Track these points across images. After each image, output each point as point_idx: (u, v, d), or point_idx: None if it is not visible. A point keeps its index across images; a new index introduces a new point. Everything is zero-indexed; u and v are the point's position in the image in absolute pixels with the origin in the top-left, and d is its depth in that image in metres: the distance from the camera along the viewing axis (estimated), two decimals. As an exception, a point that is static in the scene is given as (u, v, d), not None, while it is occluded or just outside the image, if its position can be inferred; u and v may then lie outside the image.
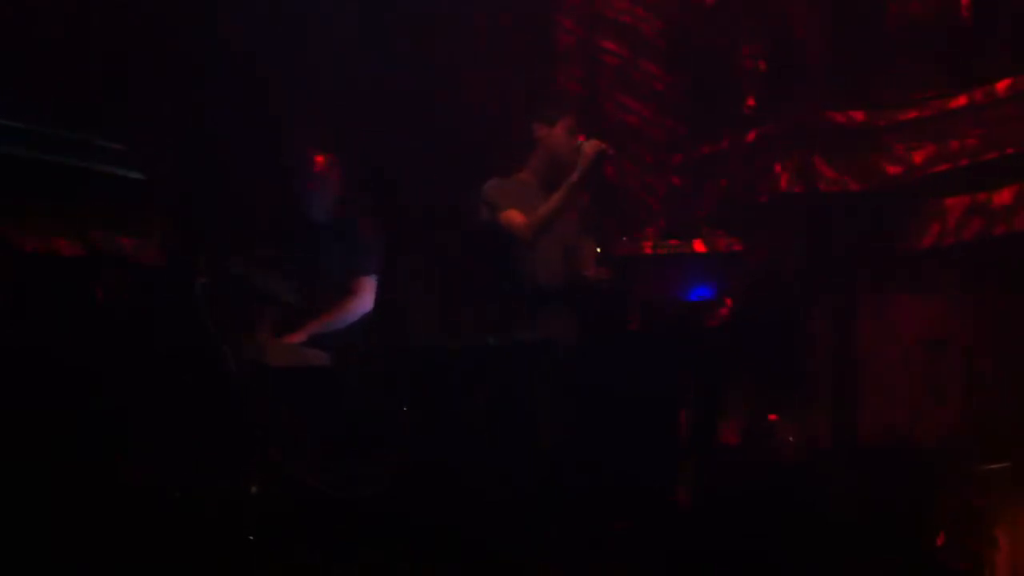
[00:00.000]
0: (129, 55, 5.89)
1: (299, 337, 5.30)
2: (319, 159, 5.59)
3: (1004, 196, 5.79)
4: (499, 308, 5.15)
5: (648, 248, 6.05)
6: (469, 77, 6.85)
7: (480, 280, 5.50)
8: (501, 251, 5.06)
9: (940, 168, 6.00)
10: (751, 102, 6.56)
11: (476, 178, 5.37)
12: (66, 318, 4.33)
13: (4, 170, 4.33)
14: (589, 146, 4.96)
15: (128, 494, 4.26)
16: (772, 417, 5.78)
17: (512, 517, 4.63)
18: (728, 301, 5.87)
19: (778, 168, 6.22)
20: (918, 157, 6.08)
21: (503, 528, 4.59)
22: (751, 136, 6.43)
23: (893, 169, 6.12)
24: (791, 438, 5.70)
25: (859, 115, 6.19)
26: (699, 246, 6.05)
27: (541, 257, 5.06)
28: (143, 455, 4.38)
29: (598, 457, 4.81)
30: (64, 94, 5.39)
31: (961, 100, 5.94)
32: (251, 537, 4.36)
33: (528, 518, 4.63)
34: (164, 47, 5.96)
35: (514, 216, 5.01)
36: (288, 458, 4.71)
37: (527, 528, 4.61)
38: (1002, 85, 5.79)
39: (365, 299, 5.47)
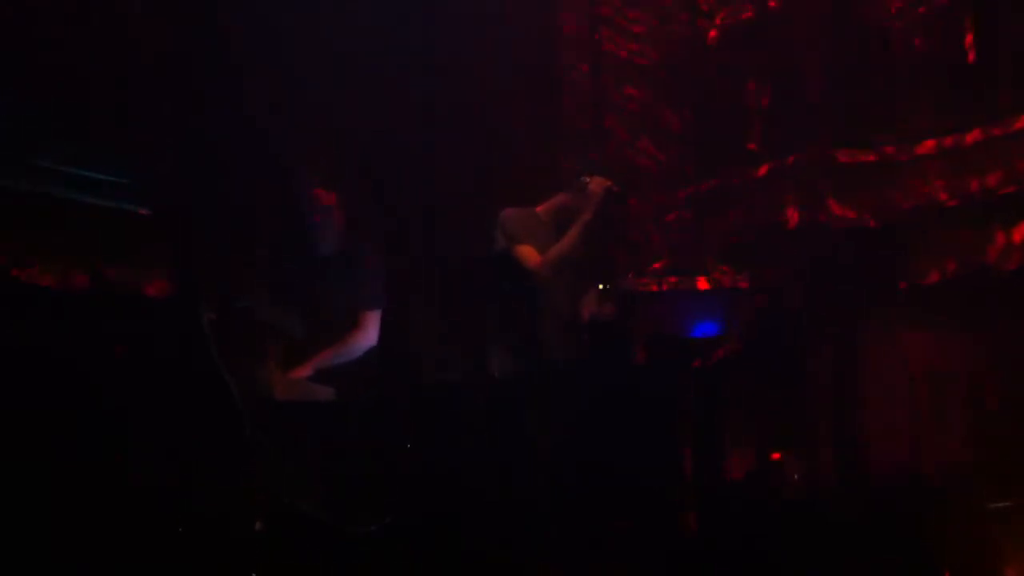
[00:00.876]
0: (134, 86, 5.90)
1: (305, 371, 5.30)
2: (323, 192, 5.60)
3: (1007, 233, 5.82)
4: (503, 337, 5.15)
5: (653, 284, 6.06)
6: (474, 111, 6.88)
7: (485, 305, 5.49)
8: (513, 283, 5.08)
9: (945, 203, 6.02)
10: (755, 137, 6.58)
11: (484, 208, 5.38)
12: (73, 350, 4.32)
13: (11, 204, 4.34)
14: (596, 184, 4.96)
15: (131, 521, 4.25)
16: (776, 456, 5.77)
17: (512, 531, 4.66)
18: (734, 339, 5.86)
19: (783, 203, 6.23)
20: (923, 193, 6.11)
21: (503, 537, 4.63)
22: (756, 172, 6.44)
23: (898, 204, 6.14)
24: (796, 476, 5.69)
25: (863, 151, 6.21)
26: (704, 282, 6.07)
27: (549, 291, 5.07)
28: (146, 480, 4.37)
29: (599, 494, 4.82)
30: (69, 124, 5.40)
31: (968, 136, 5.98)
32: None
33: (528, 531, 4.65)
34: (168, 77, 5.98)
35: (530, 253, 5.03)
36: (291, 490, 4.70)
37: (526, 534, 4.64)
38: (1011, 121, 5.83)
39: (370, 333, 5.47)
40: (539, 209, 5.27)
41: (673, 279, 6.10)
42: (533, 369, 4.95)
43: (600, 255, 5.24)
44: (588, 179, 5.06)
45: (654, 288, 6.04)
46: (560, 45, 7.30)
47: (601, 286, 5.29)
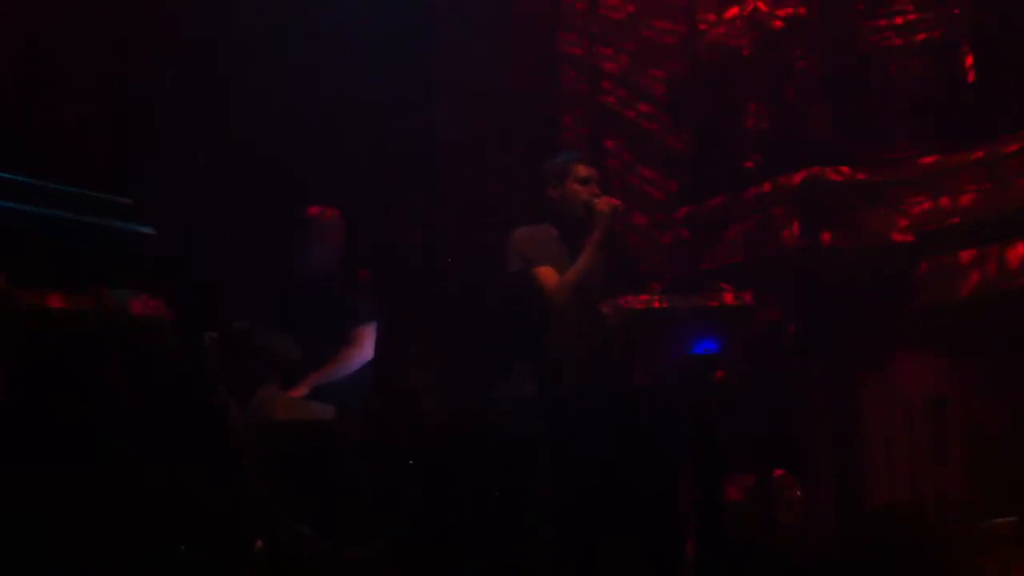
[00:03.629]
0: (135, 112, 5.94)
1: (302, 390, 5.31)
2: (318, 217, 5.63)
3: (1011, 252, 5.81)
4: (516, 358, 5.14)
5: (652, 302, 6.05)
6: (473, 132, 6.92)
7: (496, 325, 5.49)
8: (529, 304, 5.05)
9: (944, 224, 6.01)
10: (755, 157, 6.58)
11: (478, 229, 5.36)
12: (73, 374, 4.33)
13: (11, 225, 4.35)
14: (604, 203, 4.99)
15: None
16: (778, 473, 5.76)
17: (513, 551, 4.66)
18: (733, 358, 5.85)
19: (783, 222, 6.23)
20: (921, 213, 6.10)
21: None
22: (756, 190, 6.44)
23: (899, 224, 6.14)
24: (798, 492, 5.67)
25: (861, 172, 6.21)
26: (704, 301, 6.04)
27: (563, 311, 5.05)
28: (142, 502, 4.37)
29: (598, 519, 4.81)
30: (70, 151, 5.43)
31: (965, 156, 5.98)
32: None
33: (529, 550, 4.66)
34: (170, 97, 6.02)
35: (548, 274, 5.01)
36: (290, 513, 4.71)
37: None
38: (1009, 141, 5.84)
39: (365, 348, 5.49)
40: (545, 226, 5.25)
41: (671, 298, 6.08)
42: (545, 389, 4.94)
43: (605, 273, 5.23)
44: (596, 198, 5.08)
45: (653, 306, 6.02)
46: (558, 63, 7.34)
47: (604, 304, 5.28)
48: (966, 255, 5.94)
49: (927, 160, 6.14)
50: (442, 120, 6.86)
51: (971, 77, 6.13)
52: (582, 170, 5.19)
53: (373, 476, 5.14)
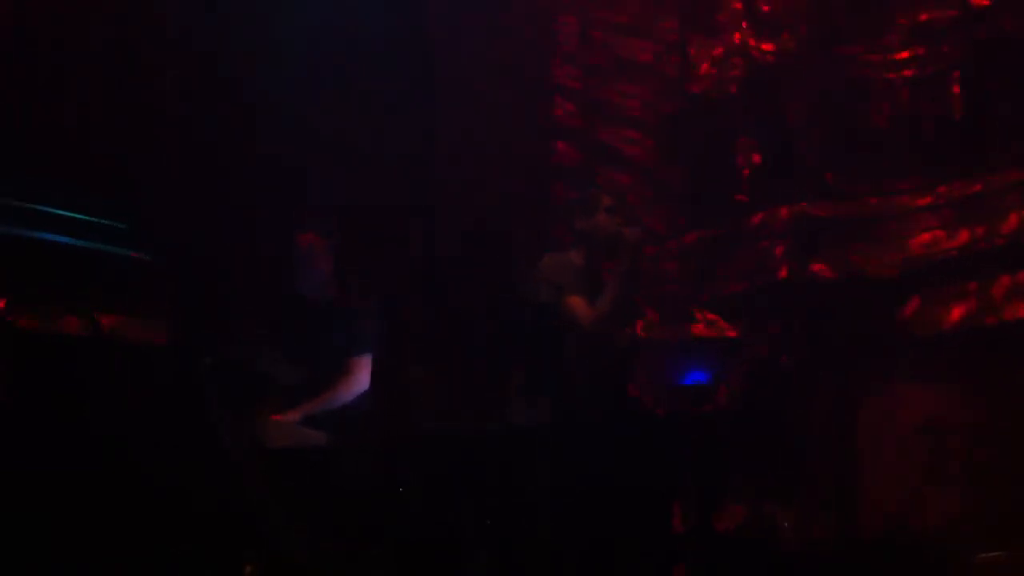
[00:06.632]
0: (134, 137, 5.96)
1: (295, 416, 5.32)
2: (311, 239, 5.63)
3: (999, 285, 5.85)
4: (527, 383, 5.17)
5: (646, 334, 6.08)
6: (470, 152, 6.93)
7: (506, 351, 5.52)
8: (550, 330, 5.09)
9: (936, 256, 6.05)
10: (745, 190, 6.61)
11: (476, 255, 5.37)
12: (70, 398, 4.35)
13: (8, 250, 4.37)
14: (631, 235, 5.05)
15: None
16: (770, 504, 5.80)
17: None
18: (725, 389, 5.88)
19: (774, 255, 6.26)
20: (913, 246, 6.14)
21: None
22: (748, 223, 6.47)
23: (889, 257, 6.18)
24: (787, 524, 5.71)
25: (851, 206, 6.24)
26: (696, 332, 6.08)
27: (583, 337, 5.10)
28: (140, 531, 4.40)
29: (595, 543, 4.84)
30: (69, 174, 5.45)
31: (954, 190, 6.02)
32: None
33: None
34: (168, 130, 6.04)
35: (579, 305, 5.06)
36: (284, 536, 4.74)
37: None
38: (997, 177, 5.88)
39: (361, 378, 5.50)
40: (570, 254, 5.30)
41: (665, 329, 6.13)
42: (556, 416, 4.98)
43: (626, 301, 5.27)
44: (625, 228, 5.13)
45: (646, 338, 6.06)
46: (553, 94, 7.36)
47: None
48: (954, 288, 5.99)
49: (916, 194, 6.17)
50: (441, 137, 6.88)
51: (959, 113, 6.16)
52: (606, 200, 5.27)
53: (373, 477, 5.17)
